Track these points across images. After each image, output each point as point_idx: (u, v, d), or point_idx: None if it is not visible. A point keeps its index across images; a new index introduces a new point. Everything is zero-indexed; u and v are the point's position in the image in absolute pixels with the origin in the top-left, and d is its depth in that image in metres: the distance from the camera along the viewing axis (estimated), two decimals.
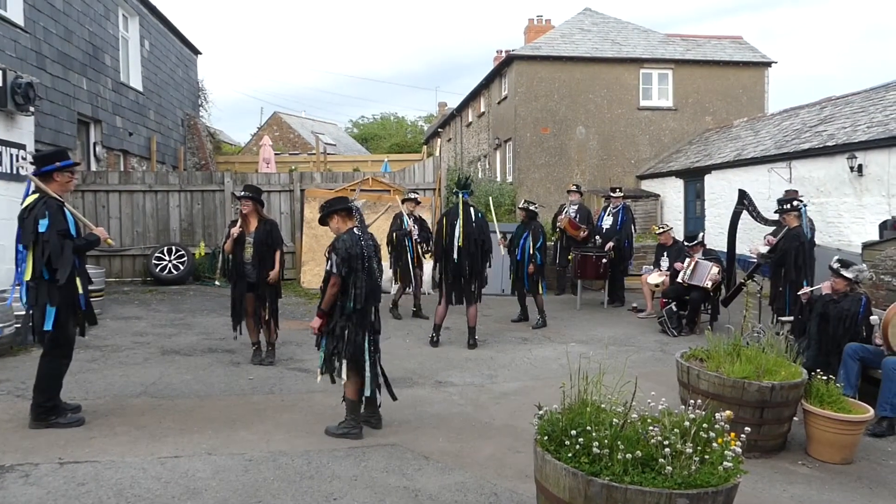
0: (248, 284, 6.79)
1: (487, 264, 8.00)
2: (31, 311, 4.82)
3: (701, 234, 10.16)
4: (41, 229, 4.66)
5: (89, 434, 4.76)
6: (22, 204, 4.90)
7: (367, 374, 4.82)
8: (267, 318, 6.92)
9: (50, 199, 4.78)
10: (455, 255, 7.66)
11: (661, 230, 10.32)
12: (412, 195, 10.21)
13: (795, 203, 7.78)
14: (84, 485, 3.95)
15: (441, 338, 8.01)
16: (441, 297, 7.98)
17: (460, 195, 7.85)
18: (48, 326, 4.73)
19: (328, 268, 4.78)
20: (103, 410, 5.27)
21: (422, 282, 10.23)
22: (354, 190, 12.08)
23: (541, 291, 9.29)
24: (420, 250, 9.65)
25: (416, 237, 9.53)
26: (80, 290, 4.90)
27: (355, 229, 4.89)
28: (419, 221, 9.94)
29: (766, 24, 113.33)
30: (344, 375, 4.80)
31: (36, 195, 4.84)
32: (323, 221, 5.01)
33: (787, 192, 10.38)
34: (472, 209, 7.90)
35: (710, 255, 9.45)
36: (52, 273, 4.70)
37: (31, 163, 5.42)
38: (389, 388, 5.12)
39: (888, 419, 5.34)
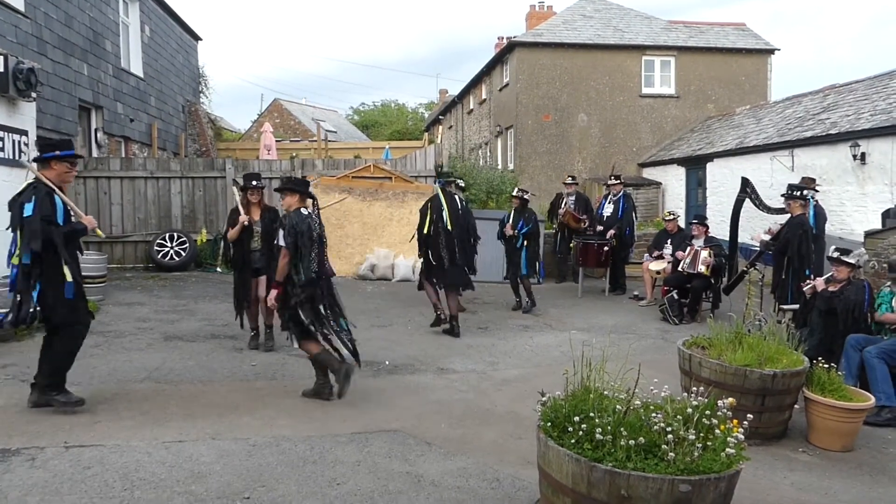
0: (255, 270, 6.83)
1: (475, 252, 8.08)
2: (17, 295, 4.74)
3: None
4: (25, 213, 4.62)
5: (94, 418, 4.79)
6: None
7: (333, 340, 5.33)
8: None
9: (40, 185, 4.73)
10: (443, 240, 7.66)
11: (670, 217, 10.32)
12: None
13: (806, 192, 7.72)
14: (90, 468, 3.99)
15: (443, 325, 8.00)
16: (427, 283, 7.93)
17: (438, 184, 8.02)
18: (33, 307, 4.67)
19: (277, 242, 5.33)
20: (108, 395, 5.30)
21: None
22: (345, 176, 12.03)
23: (535, 277, 9.38)
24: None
25: None
26: (69, 279, 4.75)
27: (303, 210, 5.33)
28: None
29: (774, 9, 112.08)
30: (295, 343, 5.34)
31: (30, 181, 4.81)
32: (280, 191, 5.47)
33: (803, 178, 10.25)
34: (456, 197, 7.99)
35: (712, 242, 9.45)
36: (34, 257, 4.63)
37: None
38: (355, 352, 5.44)
39: (888, 408, 5.37)
